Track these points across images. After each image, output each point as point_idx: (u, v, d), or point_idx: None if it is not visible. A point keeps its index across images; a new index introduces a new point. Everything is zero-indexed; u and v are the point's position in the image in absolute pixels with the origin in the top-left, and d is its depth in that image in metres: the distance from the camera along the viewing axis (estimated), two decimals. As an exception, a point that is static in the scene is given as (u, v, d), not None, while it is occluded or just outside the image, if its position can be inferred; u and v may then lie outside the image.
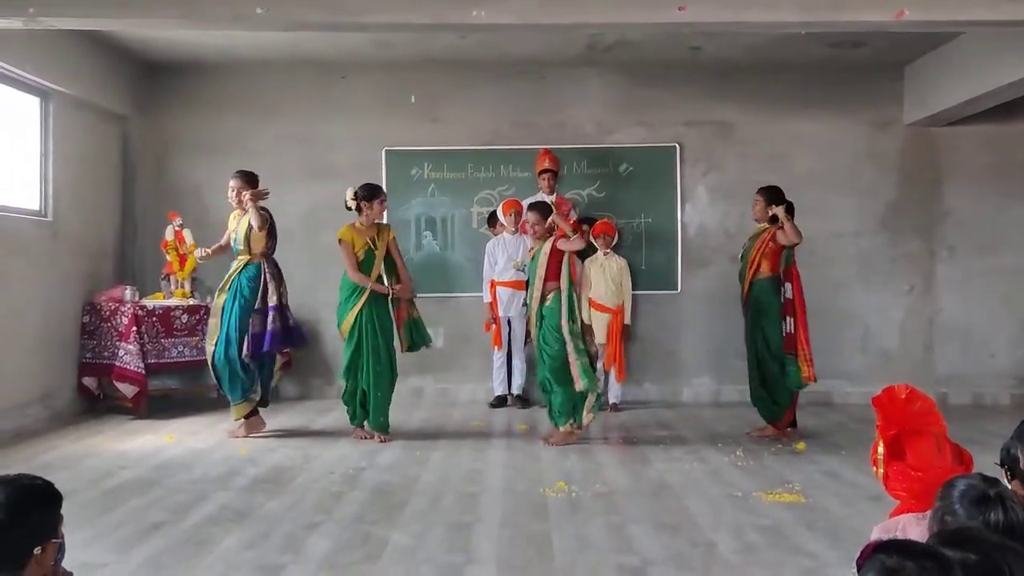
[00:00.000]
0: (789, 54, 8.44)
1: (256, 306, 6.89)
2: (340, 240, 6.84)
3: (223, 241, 7.25)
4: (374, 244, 6.87)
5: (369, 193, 6.91)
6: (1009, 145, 9.00)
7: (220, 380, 6.99)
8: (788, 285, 6.90)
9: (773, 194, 7.00)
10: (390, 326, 6.96)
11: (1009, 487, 2.57)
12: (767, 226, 6.99)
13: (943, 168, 9.07)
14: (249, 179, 7.01)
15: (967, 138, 8.99)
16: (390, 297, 6.93)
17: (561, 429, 6.76)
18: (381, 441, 6.82)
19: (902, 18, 5.69)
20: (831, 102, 9.02)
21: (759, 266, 6.96)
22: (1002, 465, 2.80)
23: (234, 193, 6.99)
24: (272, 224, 7.00)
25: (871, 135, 9.08)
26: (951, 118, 8.63)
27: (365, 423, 6.94)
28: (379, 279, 6.92)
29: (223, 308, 6.91)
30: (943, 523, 2.27)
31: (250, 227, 6.85)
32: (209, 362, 6.97)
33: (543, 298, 6.71)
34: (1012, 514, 2.19)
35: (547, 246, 6.71)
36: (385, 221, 7.36)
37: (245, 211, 6.91)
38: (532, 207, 7.05)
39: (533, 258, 6.83)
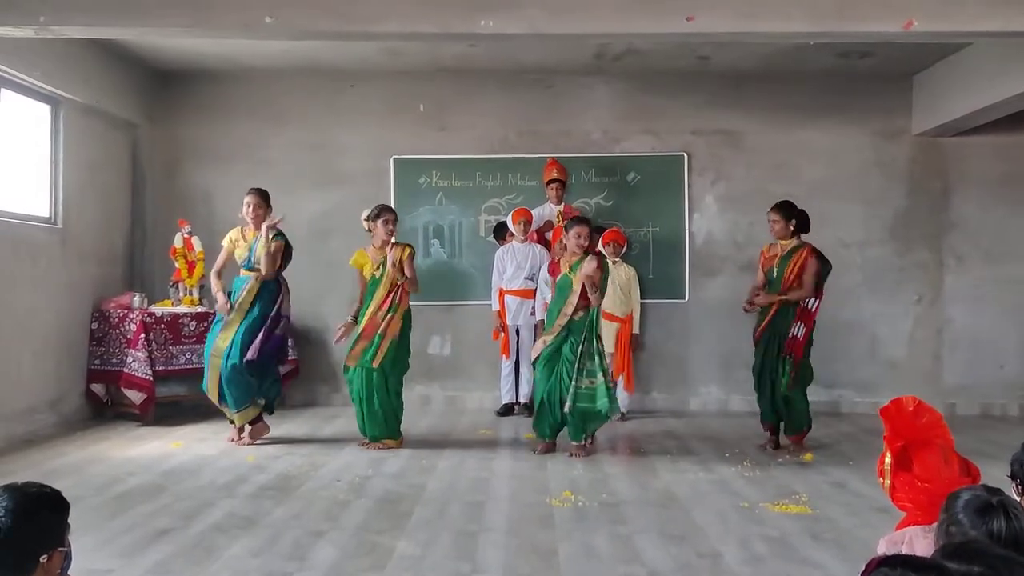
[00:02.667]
0: (797, 63, 8.45)
1: (272, 314, 7.04)
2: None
3: (219, 266, 7.16)
4: (381, 265, 6.88)
5: (375, 213, 6.95)
6: (1018, 155, 8.98)
7: (228, 389, 6.94)
8: (814, 300, 6.85)
9: (789, 209, 6.94)
10: (396, 349, 6.94)
11: (1017, 499, 2.56)
12: (795, 243, 6.89)
13: (951, 178, 9.06)
14: (266, 197, 7.08)
15: (976, 148, 8.97)
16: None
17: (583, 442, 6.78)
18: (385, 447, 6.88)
19: (910, 28, 5.69)
20: (839, 111, 9.02)
21: (792, 284, 6.85)
22: (1013, 478, 2.79)
23: (250, 209, 7.00)
24: (288, 246, 7.13)
25: (879, 145, 9.07)
26: (959, 128, 8.62)
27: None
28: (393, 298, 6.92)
29: (240, 321, 6.95)
30: (948, 534, 2.27)
31: (268, 250, 6.90)
32: (216, 375, 6.93)
33: (574, 311, 6.64)
34: (1015, 523, 2.18)
35: (589, 264, 6.59)
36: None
37: (257, 228, 6.98)
38: (581, 221, 6.82)
39: (571, 269, 6.68)
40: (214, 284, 7.16)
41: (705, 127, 9.08)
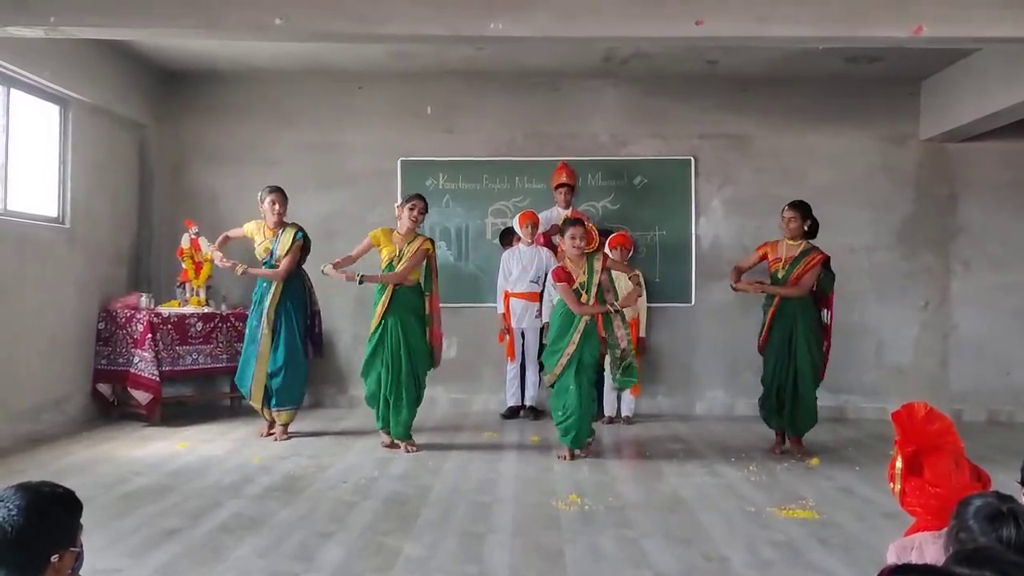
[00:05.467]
0: (806, 68, 8.45)
1: (311, 310, 7.47)
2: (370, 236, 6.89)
3: (230, 233, 7.44)
4: (400, 254, 6.83)
5: (405, 198, 6.99)
6: (1025, 161, 8.98)
7: (296, 390, 7.30)
8: (826, 311, 6.89)
9: (808, 210, 6.93)
10: (418, 336, 6.88)
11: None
12: (806, 246, 6.87)
13: (959, 183, 9.04)
14: (285, 196, 7.30)
15: (983, 154, 8.96)
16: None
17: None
18: (406, 451, 6.83)
19: (920, 34, 5.68)
20: (847, 116, 9.01)
21: (801, 283, 6.83)
22: (1023, 483, 2.79)
23: (276, 207, 7.19)
24: (307, 240, 7.42)
25: (887, 150, 9.06)
26: (967, 134, 8.60)
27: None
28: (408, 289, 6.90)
29: (277, 320, 7.20)
30: (958, 540, 2.27)
31: (293, 250, 7.20)
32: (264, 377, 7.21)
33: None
34: None
35: (598, 264, 6.63)
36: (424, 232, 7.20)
37: (279, 226, 7.23)
38: (575, 223, 6.78)
39: (587, 272, 6.62)
40: (220, 241, 7.35)
41: (712, 131, 9.08)
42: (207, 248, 7.51)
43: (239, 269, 7.15)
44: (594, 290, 6.61)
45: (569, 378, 6.60)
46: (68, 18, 5.74)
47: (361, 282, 6.76)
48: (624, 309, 6.81)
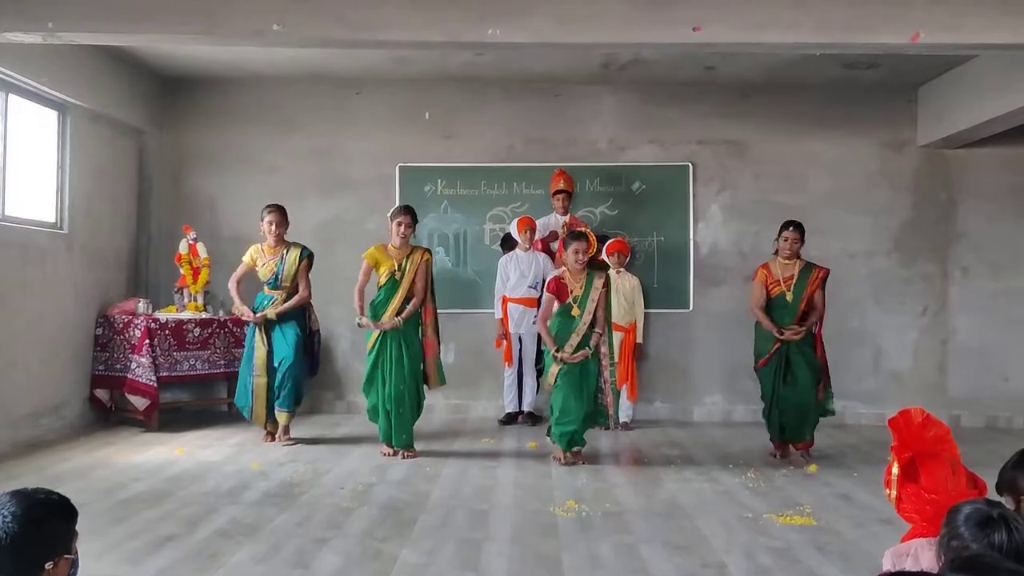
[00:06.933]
0: (804, 74, 8.46)
1: (309, 329, 7.45)
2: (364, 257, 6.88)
3: (239, 276, 7.34)
4: (400, 267, 6.85)
5: (392, 212, 6.98)
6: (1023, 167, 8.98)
7: (297, 391, 7.30)
8: (815, 323, 6.92)
9: (804, 229, 6.94)
10: (417, 346, 6.91)
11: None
12: (803, 264, 6.88)
13: (957, 189, 9.05)
14: (284, 213, 7.29)
15: (981, 159, 8.97)
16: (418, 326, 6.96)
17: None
18: (404, 457, 6.82)
19: (917, 41, 5.69)
20: (845, 122, 9.02)
21: (811, 301, 6.85)
22: (999, 491, 2.80)
23: (272, 226, 7.19)
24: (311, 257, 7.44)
25: (885, 156, 9.07)
26: (965, 139, 8.61)
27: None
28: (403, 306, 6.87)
29: (276, 335, 7.24)
30: (949, 548, 2.27)
31: (299, 267, 7.24)
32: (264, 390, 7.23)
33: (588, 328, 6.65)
34: (1016, 535, 2.18)
35: (599, 282, 6.64)
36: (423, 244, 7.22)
37: (278, 244, 7.25)
38: (579, 237, 6.78)
39: (584, 288, 6.62)
40: (235, 295, 7.27)
41: (711, 137, 9.09)
42: (237, 306, 7.30)
43: (270, 313, 7.18)
44: (590, 306, 6.60)
45: (569, 380, 6.60)
46: (67, 23, 5.75)
47: (404, 324, 6.84)
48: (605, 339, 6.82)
